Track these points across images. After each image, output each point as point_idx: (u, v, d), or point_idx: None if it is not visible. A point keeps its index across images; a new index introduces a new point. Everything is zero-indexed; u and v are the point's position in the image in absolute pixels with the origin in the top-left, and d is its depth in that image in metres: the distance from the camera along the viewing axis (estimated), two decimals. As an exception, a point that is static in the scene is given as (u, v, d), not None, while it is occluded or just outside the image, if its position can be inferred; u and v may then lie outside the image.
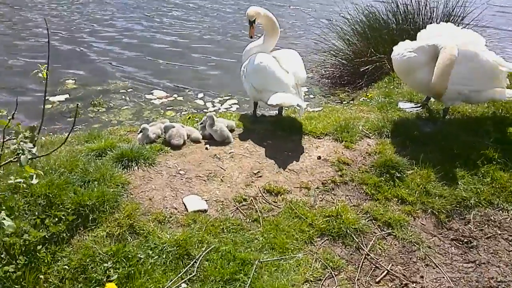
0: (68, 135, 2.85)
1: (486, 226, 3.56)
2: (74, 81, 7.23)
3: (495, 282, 3.09)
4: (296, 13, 12.42)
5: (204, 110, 6.22)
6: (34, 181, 2.01)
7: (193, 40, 9.77)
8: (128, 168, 3.73)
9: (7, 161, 2.05)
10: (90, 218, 3.16)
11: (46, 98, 6.46)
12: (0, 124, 2.18)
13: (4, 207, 3.05)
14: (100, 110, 6.30)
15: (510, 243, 3.42)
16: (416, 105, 4.85)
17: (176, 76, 7.71)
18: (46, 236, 2.95)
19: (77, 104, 3.70)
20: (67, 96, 6.67)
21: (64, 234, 3.04)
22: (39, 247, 2.88)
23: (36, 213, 3.09)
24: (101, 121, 5.99)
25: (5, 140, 2.33)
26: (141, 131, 4.25)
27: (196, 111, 6.13)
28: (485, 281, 3.10)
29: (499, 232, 3.51)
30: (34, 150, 1.93)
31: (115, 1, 12.90)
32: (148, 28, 10.53)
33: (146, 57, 8.53)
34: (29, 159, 1.94)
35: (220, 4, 13.25)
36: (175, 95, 6.88)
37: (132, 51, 8.82)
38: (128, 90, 7.02)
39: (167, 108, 6.38)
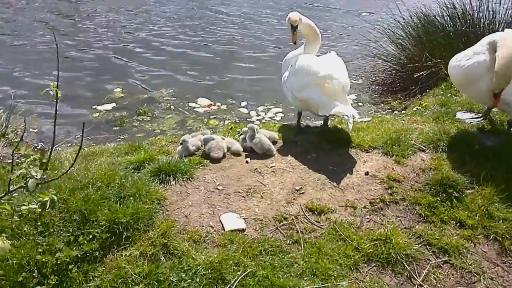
0: (78, 154, 2.72)
1: (560, 256, 3.13)
2: (121, 89, 7.32)
3: None
4: (343, 17, 12.06)
5: (248, 119, 6.07)
6: (48, 208, 1.89)
7: (237, 48, 9.68)
8: (165, 183, 3.61)
9: (15, 188, 1.94)
10: (124, 236, 3.05)
11: (94, 107, 6.64)
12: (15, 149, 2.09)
13: (39, 223, 3.05)
14: (145, 119, 6.31)
15: None
16: (476, 116, 4.42)
17: (220, 84, 7.65)
18: (79, 255, 2.87)
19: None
20: (113, 105, 6.75)
21: (97, 253, 2.94)
22: (71, 266, 2.80)
23: (71, 230, 3.02)
24: (144, 130, 5.98)
25: (13, 163, 2.24)
26: (181, 143, 4.13)
27: (239, 121, 5.99)
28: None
29: None
30: (38, 176, 1.80)
31: (158, 10, 13.09)
32: (192, 36, 10.55)
33: (190, 65, 8.54)
34: (38, 184, 1.82)
35: (262, 11, 13.11)
36: (219, 104, 6.78)
37: (176, 59, 8.88)
38: (173, 99, 7.01)
39: (211, 117, 6.28)
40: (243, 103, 6.79)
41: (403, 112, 5.52)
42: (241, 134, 4.24)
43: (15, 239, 2.94)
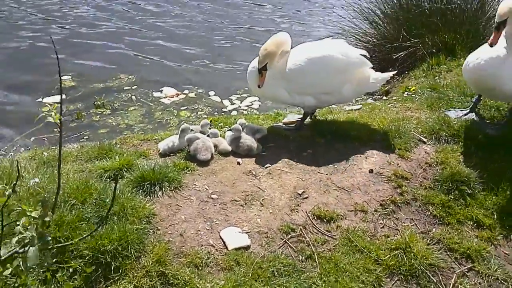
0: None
1: None
2: (70, 77, 6.54)
3: None
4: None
5: (223, 110, 5.59)
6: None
7: (195, 37, 8.89)
8: (151, 195, 3.12)
9: (9, 253, 1.44)
10: (112, 267, 2.56)
11: (39, 100, 5.85)
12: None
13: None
14: (104, 112, 5.66)
15: None
16: (463, 112, 4.08)
17: (181, 73, 6.98)
18: (60, 297, 2.36)
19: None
20: (63, 96, 5.99)
21: (82, 291, 2.45)
22: (52, 312, 2.30)
23: (45, 264, 2.49)
24: (107, 125, 5.36)
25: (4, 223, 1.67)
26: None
27: (214, 111, 5.50)
28: None
29: None
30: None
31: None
32: (148, 17, 9.67)
33: (149, 51, 7.76)
34: (41, 250, 1.34)
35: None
36: (186, 92, 6.21)
37: (133, 44, 8.05)
38: (133, 88, 6.35)
39: (181, 108, 5.73)
40: (211, 92, 6.26)
41: (388, 97, 5.25)
42: (229, 130, 3.81)
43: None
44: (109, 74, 6.64)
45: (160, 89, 6.23)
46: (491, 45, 3.36)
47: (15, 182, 1.55)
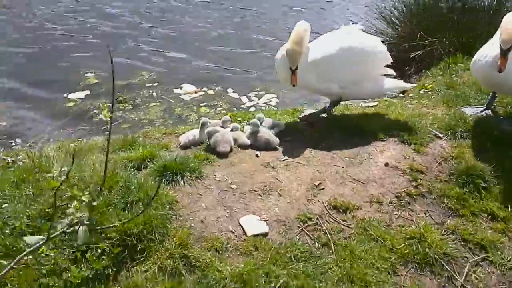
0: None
1: None
2: (93, 74, 6.73)
3: None
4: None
5: (242, 106, 5.71)
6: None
7: (213, 36, 8.99)
8: (173, 183, 3.25)
9: (54, 234, 1.58)
10: (138, 249, 2.70)
11: (66, 95, 6.07)
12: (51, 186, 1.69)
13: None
14: (127, 108, 5.83)
15: None
16: (479, 108, 4.14)
17: (200, 71, 7.11)
18: (90, 275, 2.50)
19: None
20: (87, 92, 6.19)
21: (110, 270, 2.59)
22: (82, 288, 2.44)
23: (75, 245, 2.64)
24: (130, 120, 5.53)
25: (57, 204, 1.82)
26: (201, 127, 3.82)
27: (233, 108, 5.62)
28: None
29: None
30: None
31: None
32: (170, 22, 9.79)
33: (169, 49, 7.89)
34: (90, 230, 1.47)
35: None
36: (205, 89, 6.35)
37: (154, 43, 8.20)
38: (154, 84, 6.52)
39: (201, 104, 5.87)
40: (229, 90, 6.38)
41: (405, 95, 5.31)
42: (248, 124, 3.92)
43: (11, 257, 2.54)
44: (132, 71, 6.82)
45: (180, 86, 6.38)
46: (500, 71, 3.42)
47: (67, 169, 1.70)
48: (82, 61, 7.12)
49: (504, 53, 3.41)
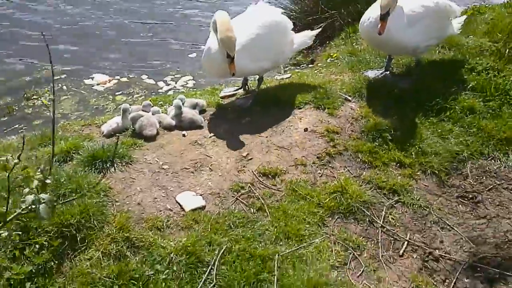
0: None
1: (484, 178, 3.58)
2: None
3: (511, 235, 3.10)
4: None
5: (159, 91, 5.70)
6: None
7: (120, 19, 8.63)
8: (104, 171, 3.25)
9: (17, 213, 1.58)
10: (78, 239, 2.71)
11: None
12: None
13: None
14: (36, 104, 5.55)
15: (511, 192, 3.46)
16: (380, 71, 4.55)
17: (108, 59, 6.80)
18: (33, 270, 2.48)
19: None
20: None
21: (52, 263, 2.58)
22: (27, 284, 2.41)
23: (12, 244, 2.58)
24: (42, 116, 5.29)
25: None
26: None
27: (151, 93, 5.59)
28: (501, 235, 3.10)
29: (498, 183, 3.53)
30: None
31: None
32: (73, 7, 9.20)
33: (73, 37, 7.45)
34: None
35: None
36: (118, 77, 6.21)
37: (55, 31, 7.72)
38: (62, 77, 6.21)
39: (116, 93, 5.76)
40: (144, 76, 6.28)
41: (314, 65, 5.65)
42: (170, 106, 3.98)
43: None
44: (33, 67, 6.43)
45: (91, 76, 6.18)
46: (379, 34, 3.81)
47: (19, 153, 1.69)
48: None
49: (382, 17, 3.79)
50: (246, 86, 4.43)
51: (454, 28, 4.43)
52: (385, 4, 3.74)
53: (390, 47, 4.18)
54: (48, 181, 1.59)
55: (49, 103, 1.75)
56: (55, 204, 1.63)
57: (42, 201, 1.53)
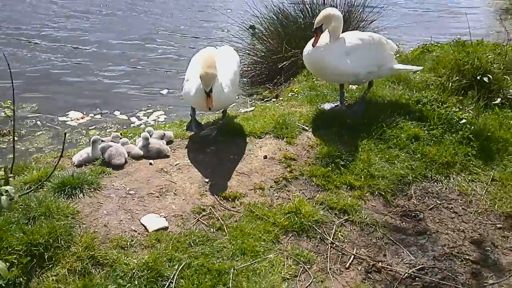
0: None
1: (426, 198, 3.90)
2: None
3: (448, 248, 3.40)
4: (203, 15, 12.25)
5: (132, 125, 5.97)
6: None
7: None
8: (73, 197, 3.47)
9: None
10: (46, 257, 2.90)
11: None
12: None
13: None
14: (11, 139, 5.73)
15: (450, 211, 3.79)
16: (335, 104, 4.95)
17: (83, 96, 7.14)
18: (3, 285, 2.65)
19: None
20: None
21: (21, 279, 2.76)
22: (-5, 300, 2.58)
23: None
24: (16, 150, 5.45)
25: None
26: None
27: (123, 128, 5.86)
28: (439, 249, 3.40)
29: (439, 202, 3.86)
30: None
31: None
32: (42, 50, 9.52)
33: (44, 79, 7.74)
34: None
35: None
36: (92, 114, 6.49)
37: (28, 73, 7.98)
38: (37, 115, 6.46)
39: (89, 128, 6.01)
40: (117, 112, 6.59)
41: (274, 100, 6.04)
42: (138, 138, 4.25)
43: None
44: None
45: (66, 113, 6.43)
46: (313, 46, 4.40)
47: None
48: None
49: (315, 31, 4.36)
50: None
51: (395, 61, 4.91)
52: (318, 20, 4.35)
53: (330, 73, 4.61)
54: (10, 177, 1.80)
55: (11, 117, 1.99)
56: (14, 198, 1.84)
57: (5, 193, 1.75)
